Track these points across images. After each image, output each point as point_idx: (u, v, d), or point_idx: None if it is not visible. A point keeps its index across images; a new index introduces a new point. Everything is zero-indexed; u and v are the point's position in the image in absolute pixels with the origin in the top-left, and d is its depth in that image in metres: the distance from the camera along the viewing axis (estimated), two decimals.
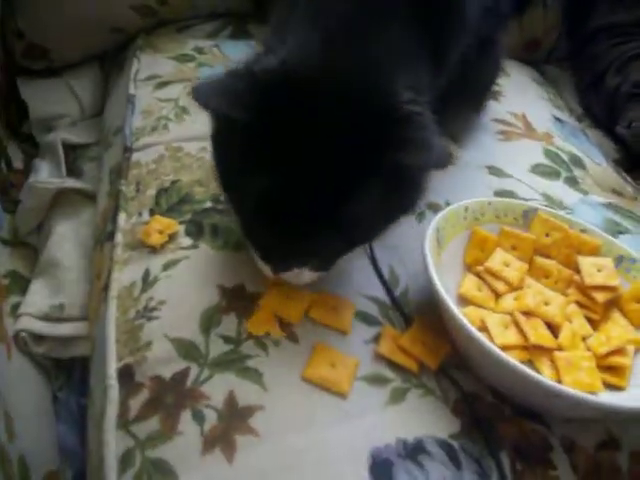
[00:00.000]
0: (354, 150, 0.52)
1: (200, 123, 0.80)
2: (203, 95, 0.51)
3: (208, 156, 0.76)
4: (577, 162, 0.91)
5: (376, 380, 0.58)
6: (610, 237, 0.71)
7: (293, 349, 0.59)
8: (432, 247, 0.64)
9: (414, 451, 0.54)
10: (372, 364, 0.60)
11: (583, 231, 0.71)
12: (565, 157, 0.90)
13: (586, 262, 0.68)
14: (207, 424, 0.53)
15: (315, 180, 0.52)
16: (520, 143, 0.91)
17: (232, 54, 0.95)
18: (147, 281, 0.64)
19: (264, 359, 0.58)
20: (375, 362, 0.60)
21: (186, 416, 0.54)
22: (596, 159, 0.95)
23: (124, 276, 0.66)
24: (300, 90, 0.52)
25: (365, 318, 0.64)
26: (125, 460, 0.53)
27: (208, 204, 0.71)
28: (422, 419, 0.56)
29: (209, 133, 0.59)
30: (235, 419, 0.54)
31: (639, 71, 1.04)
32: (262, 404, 0.55)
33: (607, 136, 1.05)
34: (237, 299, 0.62)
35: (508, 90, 1.01)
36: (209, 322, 0.60)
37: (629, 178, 0.94)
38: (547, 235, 0.71)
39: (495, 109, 0.96)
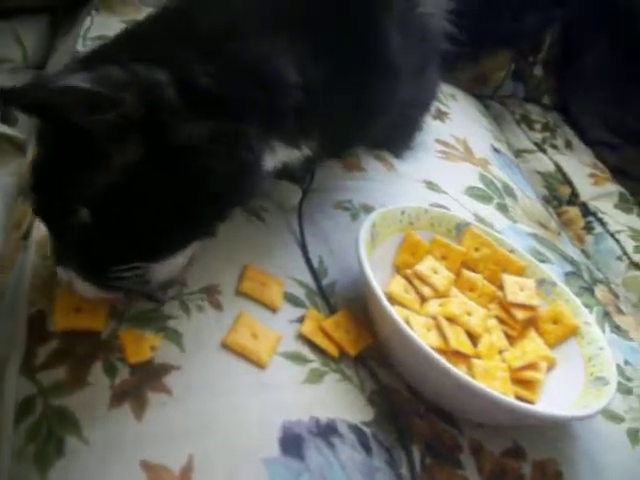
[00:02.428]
0: None
1: None
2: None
3: None
4: (509, 192, 0.94)
5: (296, 358, 0.58)
6: (535, 260, 0.73)
7: (216, 316, 0.58)
8: (366, 241, 0.64)
9: (326, 430, 0.53)
10: (294, 343, 0.59)
11: (511, 251, 0.73)
12: (499, 185, 0.94)
13: (510, 280, 0.71)
14: (118, 377, 0.51)
15: None
16: (458, 165, 0.94)
17: None
18: None
19: (185, 321, 0.56)
20: (297, 341, 0.59)
21: (97, 367, 0.51)
22: (527, 192, 0.99)
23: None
24: None
25: (291, 299, 0.63)
26: (25, 406, 0.50)
27: None
28: (337, 402, 0.56)
29: None
30: (149, 375, 0.52)
31: None
32: (179, 364, 0.53)
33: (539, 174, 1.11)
34: None
35: (454, 114, 1.04)
36: None
37: (555, 214, 0.99)
38: (476, 250, 0.73)
39: (439, 129, 0.99)
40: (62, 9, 0.98)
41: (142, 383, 0.51)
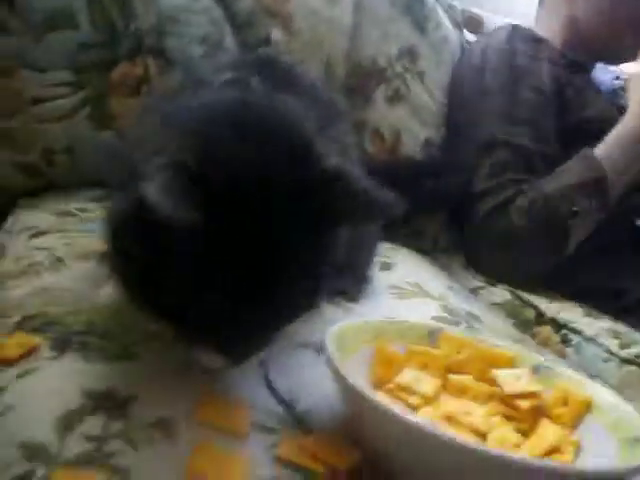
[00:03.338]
0: (289, 220, 0.51)
1: (77, 276, 0.74)
2: (156, 200, 0.45)
3: (87, 291, 0.70)
4: (476, 318, 0.90)
5: None
6: (522, 348, 0.67)
7: (170, 449, 0.47)
8: (335, 351, 0.57)
9: None
10: (269, 467, 0.48)
11: (495, 346, 0.67)
12: (463, 312, 0.89)
13: (503, 374, 0.63)
14: None
15: (260, 263, 0.50)
16: (417, 300, 0.90)
17: None
18: None
19: (133, 457, 0.45)
20: (273, 466, 0.48)
21: None
22: (493, 318, 0.94)
23: None
24: (231, 186, 0.50)
25: (262, 428, 0.53)
26: None
27: (79, 328, 0.62)
28: None
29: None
30: None
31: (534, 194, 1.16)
32: None
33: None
34: (108, 400, 0.51)
35: (400, 263, 1.03)
36: (67, 423, 0.47)
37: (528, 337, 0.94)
38: (458, 353, 0.66)
39: (387, 278, 0.96)
40: None
41: None
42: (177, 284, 0.51)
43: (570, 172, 1.18)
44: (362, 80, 1.25)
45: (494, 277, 1.18)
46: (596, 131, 1.22)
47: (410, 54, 1.31)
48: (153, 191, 0.45)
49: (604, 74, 1.40)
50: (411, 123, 1.30)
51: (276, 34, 1.12)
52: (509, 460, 0.45)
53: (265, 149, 0.52)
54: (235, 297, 0.51)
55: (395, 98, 1.29)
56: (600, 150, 1.17)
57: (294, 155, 0.53)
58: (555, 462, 0.47)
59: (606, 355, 0.91)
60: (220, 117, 0.55)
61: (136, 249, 0.53)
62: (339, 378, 0.53)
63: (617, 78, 1.40)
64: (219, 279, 0.50)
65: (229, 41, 1.08)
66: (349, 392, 0.52)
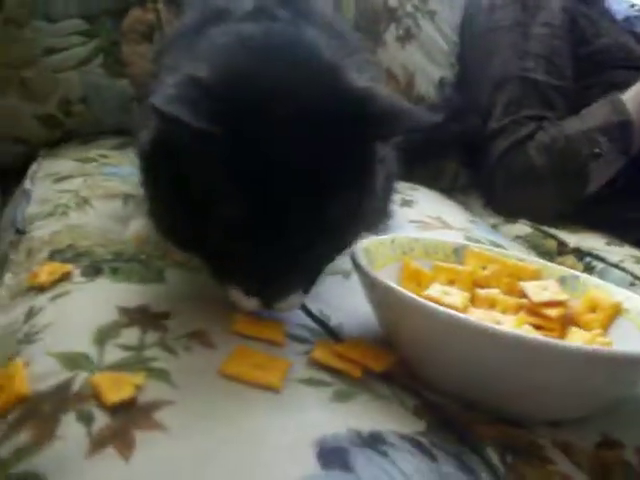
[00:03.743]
0: (325, 148, 0.48)
1: (102, 214, 0.75)
2: (164, 104, 0.45)
3: (114, 228, 0.71)
4: (499, 246, 0.88)
5: (314, 382, 0.48)
6: (547, 262, 0.67)
7: (208, 353, 0.48)
8: (366, 264, 0.57)
9: (372, 441, 0.42)
10: (307, 370, 0.49)
11: (520, 260, 0.67)
12: (486, 242, 0.89)
13: (530, 285, 0.63)
14: (96, 424, 0.40)
15: (295, 188, 0.48)
16: (440, 232, 0.89)
17: None
18: (31, 314, 0.53)
19: (172, 361, 0.46)
20: (310, 368, 0.49)
21: (67, 419, 0.40)
22: (517, 247, 0.94)
23: (3, 319, 0.55)
24: (256, 96, 0.48)
25: (296, 338, 0.54)
26: None
27: (109, 257, 0.63)
28: (376, 416, 0.45)
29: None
30: (135, 414, 0.41)
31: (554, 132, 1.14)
32: (171, 399, 0.42)
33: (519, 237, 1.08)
34: (142, 315, 0.52)
35: (420, 200, 1.02)
36: (105, 335, 0.48)
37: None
38: (484, 268, 0.66)
39: (408, 213, 0.96)
40: (10, 175, 0.98)
41: (128, 423, 0.40)
42: (207, 225, 0.49)
43: (594, 114, 1.16)
44: (372, 20, 1.23)
45: (513, 214, 1.17)
46: (613, 59, 1.20)
47: None
48: (161, 100, 0.45)
49: (618, 3, 1.37)
50: (424, 63, 1.28)
51: None
52: (565, 348, 0.46)
53: (291, 69, 0.51)
54: (268, 235, 0.48)
55: (406, 38, 1.27)
56: (627, 95, 1.15)
57: (321, 76, 0.52)
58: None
59: (631, 279, 0.90)
60: (245, 41, 0.54)
61: (165, 182, 0.52)
62: (373, 283, 0.53)
63: (632, 6, 1.37)
64: (248, 218, 0.48)
65: None
66: (386, 294, 0.52)
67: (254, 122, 0.47)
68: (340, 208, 0.50)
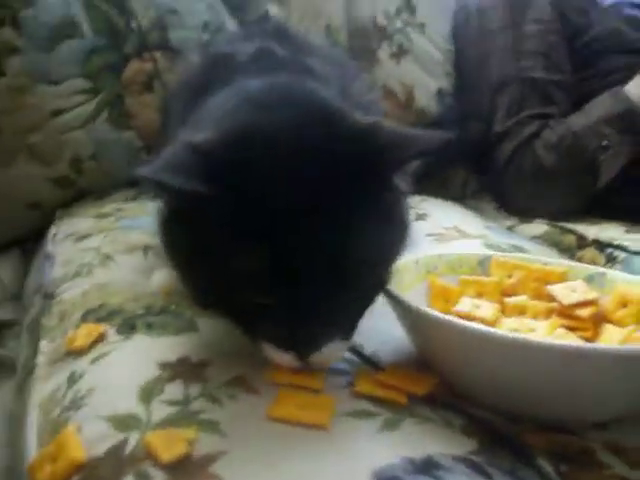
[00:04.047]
0: (339, 188, 0.47)
1: (127, 269, 0.76)
2: (151, 172, 0.45)
3: (139, 281, 0.72)
4: (519, 249, 0.90)
5: (360, 414, 0.48)
6: (572, 262, 0.67)
7: (253, 400, 0.49)
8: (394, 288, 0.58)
9: (426, 467, 0.42)
10: (352, 403, 0.49)
11: (545, 264, 0.67)
12: (506, 246, 0.89)
13: (558, 288, 0.63)
14: None
15: (314, 234, 0.46)
16: (458, 242, 0.90)
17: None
18: (73, 379, 0.54)
19: (219, 410, 0.47)
20: (355, 401, 0.50)
21: None
22: (536, 247, 0.94)
23: (46, 387, 0.56)
24: (257, 151, 0.48)
25: (335, 371, 0.54)
26: None
27: (140, 311, 0.64)
28: (426, 440, 0.46)
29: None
30: (191, 470, 0.41)
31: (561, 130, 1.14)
32: (224, 449, 0.43)
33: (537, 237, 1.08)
34: (182, 367, 0.52)
35: (433, 213, 1.03)
36: (150, 393, 0.49)
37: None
38: (510, 277, 0.67)
39: (423, 227, 0.96)
40: (32, 239, 0.99)
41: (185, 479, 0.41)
42: (231, 284, 0.48)
43: (598, 106, 1.17)
44: (364, 41, 1.25)
45: (527, 214, 1.18)
46: (608, 46, 1.21)
47: (408, 7, 1.30)
48: (149, 169, 0.45)
49: None
50: (420, 76, 1.29)
51: (273, 9, 1.13)
52: (598, 351, 0.47)
53: (293, 120, 0.50)
54: (291, 285, 0.46)
55: (400, 54, 1.28)
56: (630, 85, 1.15)
57: (324, 121, 0.51)
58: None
59: None
60: (245, 101, 0.54)
61: (184, 247, 0.51)
62: (403, 306, 0.53)
63: None
64: (270, 270, 0.46)
65: (230, 24, 1.09)
66: (417, 317, 0.53)
67: (259, 179, 0.47)
68: (363, 245, 0.48)
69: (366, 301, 0.53)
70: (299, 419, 0.46)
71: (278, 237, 0.46)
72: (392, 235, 0.53)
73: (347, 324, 0.51)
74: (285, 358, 0.49)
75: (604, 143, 1.11)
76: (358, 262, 0.48)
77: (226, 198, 0.45)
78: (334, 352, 0.49)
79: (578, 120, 1.17)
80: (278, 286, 0.46)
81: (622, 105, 1.13)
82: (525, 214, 1.18)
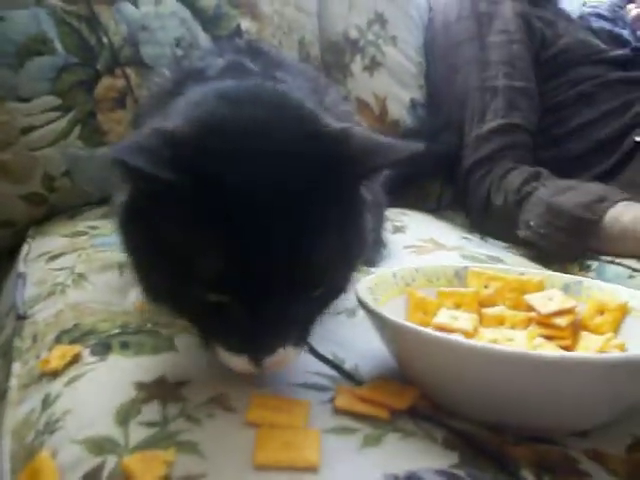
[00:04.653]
0: (303, 189, 0.47)
1: (101, 288, 0.75)
2: (118, 153, 0.44)
3: (115, 300, 0.71)
4: (495, 259, 0.90)
5: (341, 431, 0.47)
6: (548, 271, 0.67)
7: (231, 417, 0.48)
8: (372, 302, 0.58)
9: None
10: (332, 419, 0.49)
11: (521, 274, 0.68)
12: (482, 257, 0.90)
13: (535, 297, 0.63)
14: None
15: (273, 234, 0.45)
16: (435, 254, 0.91)
17: None
18: (47, 402, 0.53)
19: (198, 431, 0.46)
20: (336, 417, 0.49)
21: None
22: (512, 257, 0.95)
23: (20, 411, 0.54)
24: (225, 142, 0.47)
25: (315, 387, 0.54)
26: None
27: (116, 331, 0.63)
28: (409, 455, 0.45)
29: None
30: None
31: (515, 180, 1.11)
32: (203, 472, 0.42)
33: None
34: (159, 388, 0.51)
35: (410, 224, 1.03)
36: (127, 414, 0.48)
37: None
38: (487, 287, 0.67)
39: (401, 239, 0.97)
40: (3, 258, 0.98)
41: None
42: (188, 283, 0.47)
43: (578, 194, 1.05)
44: (337, 55, 1.26)
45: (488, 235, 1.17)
46: (577, 57, 1.23)
47: (379, 20, 1.32)
48: (120, 150, 0.45)
49: (570, 3, 1.41)
50: (393, 88, 1.31)
51: (245, 24, 1.13)
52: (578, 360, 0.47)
53: (264, 115, 0.50)
54: (249, 287, 0.45)
55: (373, 66, 1.30)
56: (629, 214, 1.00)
57: (295, 121, 0.51)
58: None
59: (630, 272, 0.91)
60: (217, 95, 0.53)
61: (143, 243, 0.50)
62: (381, 320, 0.53)
63: (584, 4, 1.41)
64: (227, 270, 0.45)
65: (202, 38, 1.09)
66: (395, 331, 0.52)
67: (224, 169, 0.46)
68: (326, 252, 0.48)
69: (322, 306, 0.53)
70: (287, 462, 0.43)
71: (236, 233, 0.45)
72: (352, 242, 0.52)
73: (302, 329, 0.51)
74: (238, 362, 0.48)
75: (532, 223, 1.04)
76: (316, 266, 0.47)
77: (189, 187, 0.45)
78: (288, 356, 0.48)
79: (552, 194, 1.06)
80: (233, 284, 0.46)
81: (590, 214, 1.00)
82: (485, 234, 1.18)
